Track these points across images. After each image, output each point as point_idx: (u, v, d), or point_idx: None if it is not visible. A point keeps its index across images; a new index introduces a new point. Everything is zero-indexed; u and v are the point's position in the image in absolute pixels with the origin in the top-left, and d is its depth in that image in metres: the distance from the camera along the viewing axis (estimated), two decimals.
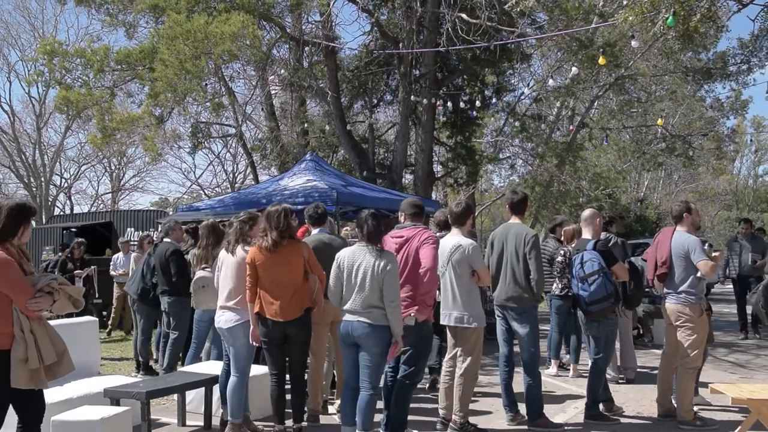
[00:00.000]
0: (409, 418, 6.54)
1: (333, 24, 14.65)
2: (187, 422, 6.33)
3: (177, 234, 8.32)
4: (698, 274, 6.17)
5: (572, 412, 6.75)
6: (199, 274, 7.03)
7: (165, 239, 8.23)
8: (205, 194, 30.23)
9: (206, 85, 14.22)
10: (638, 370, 8.37)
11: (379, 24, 14.77)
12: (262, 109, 19.61)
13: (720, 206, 45.61)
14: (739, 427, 5.40)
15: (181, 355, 8.32)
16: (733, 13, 10.50)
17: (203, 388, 6.24)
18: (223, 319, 5.81)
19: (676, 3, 8.46)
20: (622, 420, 6.50)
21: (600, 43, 14.58)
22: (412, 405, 7.07)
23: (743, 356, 10.06)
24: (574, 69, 14.52)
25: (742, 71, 19.08)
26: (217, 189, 31.38)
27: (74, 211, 33.32)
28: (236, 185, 30.22)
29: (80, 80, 13.83)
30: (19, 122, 34.86)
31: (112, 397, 5.70)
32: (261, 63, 14.34)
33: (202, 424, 6.25)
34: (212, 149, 30.06)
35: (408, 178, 17.65)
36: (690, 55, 18.74)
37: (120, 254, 12.27)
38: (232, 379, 5.76)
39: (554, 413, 6.34)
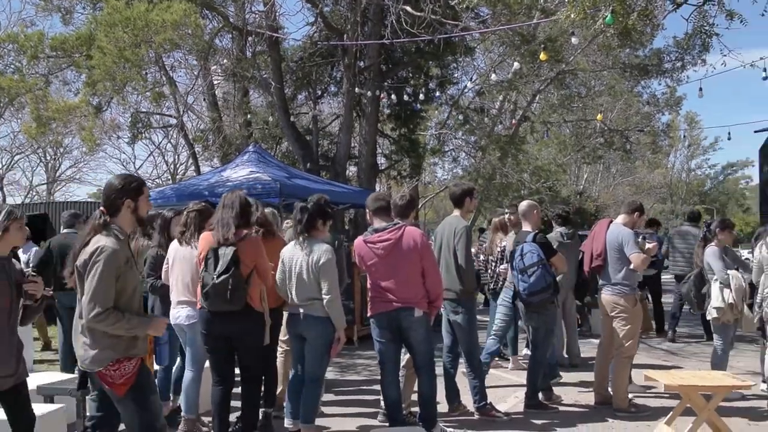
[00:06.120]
0: (355, 410, 6.59)
1: (277, 14, 14.50)
2: None
3: (82, 226, 8.04)
4: (631, 266, 6.36)
5: (513, 402, 6.88)
6: None
7: (66, 230, 7.88)
8: None
9: (146, 74, 13.98)
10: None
11: (324, 15, 14.68)
12: (204, 100, 19.31)
13: (655, 199, 46.95)
14: (671, 413, 5.58)
15: None
16: (668, 12, 10.77)
17: None
18: (183, 315, 5.63)
19: (615, 1, 8.65)
20: (561, 408, 6.66)
21: (541, 38, 14.78)
22: (355, 397, 7.11)
23: (675, 344, 10.39)
24: (516, 64, 14.70)
25: (676, 68, 19.57)
26: (157, 180, 30.77)
27: (7, 203, 32.24)
28: (177, 177, 29.71)
29: (12, 66, 13.42)
30: None
31: (46, 394, 5.53)
32: (203, 52, 14.11)
33: None
34: (153, 140, 29.48)
35: (352, 170, 17.63)
36: (628, 52, 19.13)
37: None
38: (189, 374, 5.66)
39: (495, 403, 6.44)
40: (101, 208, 3.87)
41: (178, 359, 6.13)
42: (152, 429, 3.81)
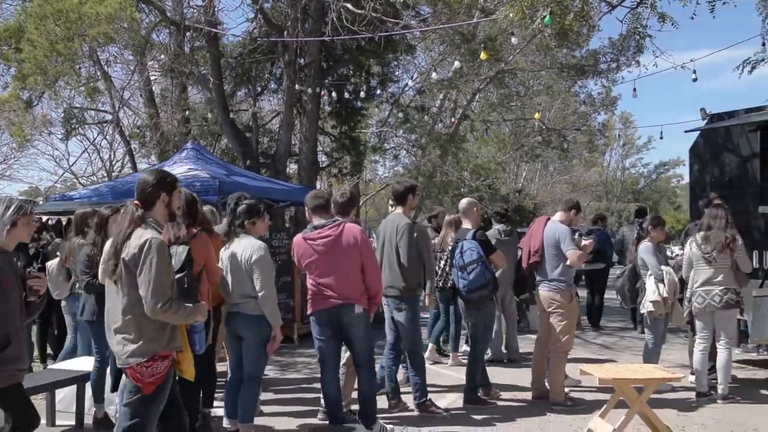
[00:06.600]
0: (295, 409, 6.55)
1: (215, 9, 14.28)
2: (57, 422, 6.02)
3: None
4: (567, 263, 6.49)
5: (452, 398, 6.93)
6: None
7: None
8: (80, 183, 28.79)
9: (80, 68, 13.60)
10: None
11: (263, 11, 14.52)
12: (141, 95, 18.91)
13: (591, 197, 48.00)
14: (605, 406, 5.71)
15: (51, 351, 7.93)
16: (604, 14, 10.98)
17: (74, 386, 5.95)
18: None
19: (553, 2, 8.81)
20: (499, 403, 6.74)
21: (481, 37, 14.94)
22: (295, 395, 7.07)
23: (609, 338, 10.67)
24: (456, 62, 14.83)
25: (611, 69, 20.12)
26: (92, 177, 29.98)
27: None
28: (113, 174, 28.99)
29: None
30: None
31: None
32: (139, 47, 13.80)
33: (73, 423, 5.98)
34: (87, 136, 28.68)
35: (292, 167, 17.51)
36: (565, 52, 19.56)
37: None
38: None
39: (435, 399, 6.48)
40: (135, 201, 3.92)
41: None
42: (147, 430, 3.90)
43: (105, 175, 29.39)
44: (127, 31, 11.69)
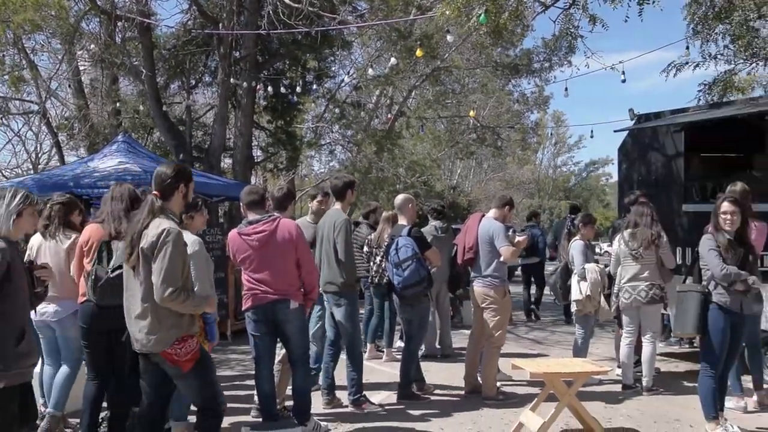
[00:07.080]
0: (228, 406, 6.46)
1: None
2: None
3: None
4: (501, 259, 6.59)
5: (386, 393, 6.96)
6: None
7: None
8: (3, 175, 27.76)
9: (3, 56, 13.11)
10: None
11: (198, 2, 14.28)
12: (69, 86, 18.31)
13: (524, 194, 48.87)
14: (536, 399, 5.84)
15: None
16: (537, 14, 11.24)
17: None
18: (51, 311, 5.36)
19: (488, 1, 8.94)
20: (433, 398, 6.81)
21: (418, 34, 15.03)
22: (228, 393, 6.99)
23: (541, 333, 10.90)
24: (392, 59, 14.88)
25: (544, 68, 20.59)
26: (17, 170, 28.93)
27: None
28: (39, 166, 28.05)
29: None
30: None
31: None
32: (68, 36, 13.38)
33: None
34: (11, 126, 27.65)
35: (227, 162, 17.28)
36: (499, 51, 19.89)
37: None
38: (64, 370, 5.43)
39: (369, 395, 6.50)
40: (155, 192, 4.04)
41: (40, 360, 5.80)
42: (215, 402, 4.13)
43: (30, 167, 28.39)
44: (55, 19, 11.34)
